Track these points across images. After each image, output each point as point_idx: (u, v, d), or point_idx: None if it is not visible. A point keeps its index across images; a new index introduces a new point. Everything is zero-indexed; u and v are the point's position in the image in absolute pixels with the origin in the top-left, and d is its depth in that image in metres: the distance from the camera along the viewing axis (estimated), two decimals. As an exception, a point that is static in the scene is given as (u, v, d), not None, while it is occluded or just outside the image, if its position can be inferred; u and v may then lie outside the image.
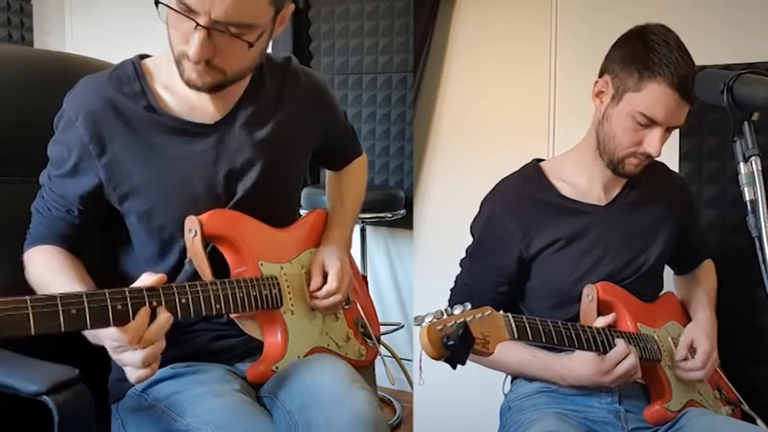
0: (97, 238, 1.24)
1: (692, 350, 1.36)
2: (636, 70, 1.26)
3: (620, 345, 1.24)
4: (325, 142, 1.37)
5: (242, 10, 1.03)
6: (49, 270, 1.12)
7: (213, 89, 1.14)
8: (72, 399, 0.92)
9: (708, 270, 1.60)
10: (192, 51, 1.04)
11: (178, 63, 1.10)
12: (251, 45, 1.08)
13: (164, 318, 0.98)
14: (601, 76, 1.34)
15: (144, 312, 0.96)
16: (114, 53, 1.31)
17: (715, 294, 1.55)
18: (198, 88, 1.12)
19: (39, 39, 3.47)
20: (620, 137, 1.31)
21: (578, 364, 1.29)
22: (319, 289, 1.25)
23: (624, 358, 1.23)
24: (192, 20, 1.02)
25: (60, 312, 0.85)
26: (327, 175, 1.53)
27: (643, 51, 1.26)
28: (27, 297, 0.83)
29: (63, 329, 0.86)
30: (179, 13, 1.02)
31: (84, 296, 0.89)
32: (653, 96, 1.25)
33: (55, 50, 1.64)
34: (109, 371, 1.22)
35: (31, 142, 1.19)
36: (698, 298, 1.51)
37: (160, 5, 1.04)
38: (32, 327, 0.83)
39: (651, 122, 1.27)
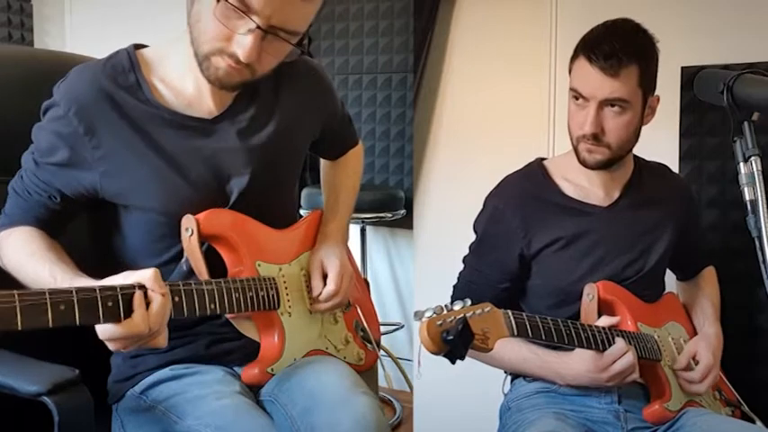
0: (85, 223, 1.21)
1: (694, 362, 1.36)
2: (572, 58, 1.32)
3: (619, 342, 1.24)
4: (324, 129, 1.35)
5: (300, 20, 1.04)
6: (27, 252, 1.07)
7: (236, 88, 1.13)
8: (72, 399, 0.92)
9: (711, 279, 1.58)
10: (243, 52, 1.02)
11: (206, 58, 1.06)
12: (297, 45, 1.07)
13: (158, 303, 0.94)
14: None
15: (138, 297, 0.92)
16: (114, 53, 1.30)
17: (719, 306, 1.53)
18: (222, 86, 1.10)
19: (39, 39, 3.46)
20: (570, 122, 1.34)
21: (576, 361, 1.28)
22: (320, 293, 1.24)
23: (622, 356, 1.23)
24: (251, 19, 1.00)
25: (49, 307, 0.84)
26: (322, 165, 1.49)
27: (580, 40, 1.31)
28: (15, 291, 0.82)
29: (51, 325, 0.84)
30: (236, 8, 1.00)
31: (74, 292, 0.87)
32: (577, 72, 1.30)
33: (55, 50, 1.64)
34: (109, 371, 1.21)
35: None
36: (704, 310, 1.50)
37: None
38: (20, 321, 0.81)
39: (579, 97, 1.29)
